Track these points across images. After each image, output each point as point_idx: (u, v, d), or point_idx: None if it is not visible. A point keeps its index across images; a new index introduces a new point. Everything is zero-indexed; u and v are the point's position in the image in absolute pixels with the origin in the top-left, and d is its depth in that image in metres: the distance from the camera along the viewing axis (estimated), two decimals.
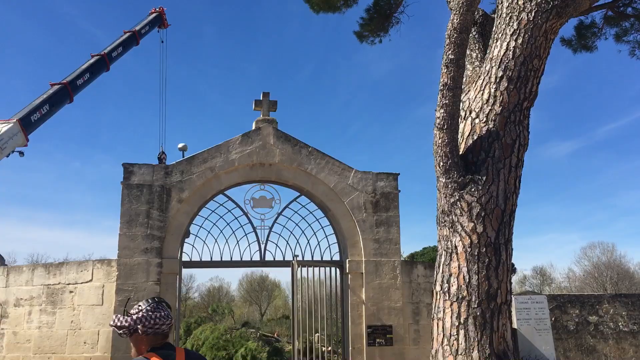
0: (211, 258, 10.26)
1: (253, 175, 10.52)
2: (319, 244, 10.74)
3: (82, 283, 9.67)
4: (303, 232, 10.70)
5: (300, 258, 10.20)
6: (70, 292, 9.69)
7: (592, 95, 70.76)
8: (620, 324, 15.45)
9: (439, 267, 7.26)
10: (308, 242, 10.66)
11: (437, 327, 7.32)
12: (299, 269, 9.67)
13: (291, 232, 10.68)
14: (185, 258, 10.24)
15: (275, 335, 33.15)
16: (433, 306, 7.36)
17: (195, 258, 10.21)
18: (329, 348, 12.53)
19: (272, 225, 10.62)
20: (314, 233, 10.75)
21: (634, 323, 15.55)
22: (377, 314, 10.17)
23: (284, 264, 10.08)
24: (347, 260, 10.40)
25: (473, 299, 7.14)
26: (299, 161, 10.60)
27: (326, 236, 10.80)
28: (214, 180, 10.31)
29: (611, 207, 66.48)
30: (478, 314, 7.10)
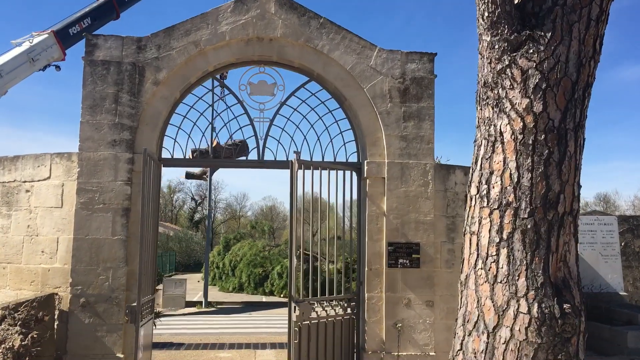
0: (198, 155, 8.51)
1: (249, 54, 8.55)
2: (331, 141, 8.87)
3: (39, 181, 8.17)
4: (312, 126, 8.85)
5: (307, 157, 8.33)
6: (27, 191, 8.23)
7: None
8: None
9: (475, 162, 5.27)
10: (318, 139, 8.80)
11: (470, 244, 5.38)
12: (301, 171, 7.81)
13: (297, 127, 8.84)
14: (165, 155, 8.52)
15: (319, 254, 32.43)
16: (466, 216, 5.37)
17: (178, 154, 8.50)
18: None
19: (274, 117, 8.76)
20: (326, 128, 8.87)
21: None
22: (402, 228, 8.33)
23: (285, 165, 8.23)
24: (365, 161, 8.50)
25: (523, 206, 5.09)
26: (307, 36, 8.52)
27: (341, 132, 8.90)
28: (199, 58, 8.40)
29: None
30: (529, 226, 5.05)
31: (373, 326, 8.37)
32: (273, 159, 8.77)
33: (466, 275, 5.14)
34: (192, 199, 65.37)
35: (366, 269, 8.45)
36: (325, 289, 8.27)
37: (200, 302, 23.94)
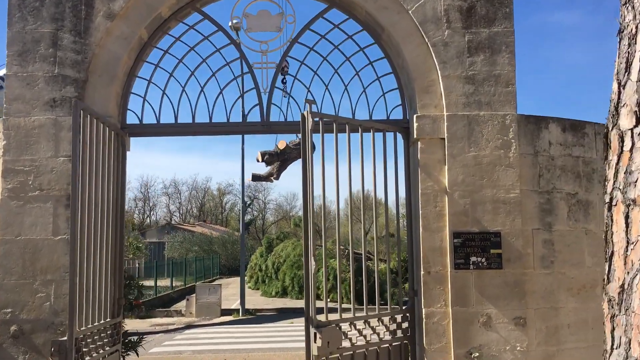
0: (176, 119, 6.14)
1: None
2: (364, 91, 6.31)
3: None
4: (336, 71, 6.32)
5: (333, 111, 5.76)
6: None
7: None
8: None
9: (626, 69, 2.70)
10: (346, 88, 6.28)
11: (628, 224, 2.78)
12: (319, 134, 5.28)
13: (315, 73, 6.31)
14: (132, 120, 6.18)
15: (368, 253, 30.19)
16: (612, 173, 2.72)
17: (150, 119, 6.13)
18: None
19: (282, 61, 6.27)
20: (357, 73, 6.32)
21: None
22: (473, 212, 5.73)
23: (298, 128, 5.67)
24: (415, 116, 5.91)
25: None
26: None
27: (378, 78, 6.36)
28: None
29: None
30: None
31: (435, 356, 5.74)
32: (284, 119, 6.27)
33: (621, 286, 2.50)
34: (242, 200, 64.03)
35: (422, 272, 5.83)
36: (363, 301, 5.73)
37: (238, 310, 21.75)
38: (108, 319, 5.59)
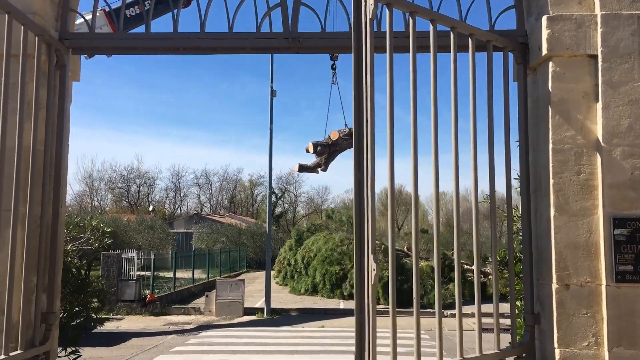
0: (147, 27, 3.80)
1: None
2: None
3: None
4: None
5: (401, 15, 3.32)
6: None
7: None
8: None
9: None
10: None
11: None
12: (379, 38, 2.86)
13: None
14: (78, 28, 3.86)
15: (405, 249, 27.98)
16: None
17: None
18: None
19: None
20: None
21: None
22: None
23: (344, 41, 3.23)
24: (544, 19, 3.42)
25: None
26: None
27: None
28: None
29: None
30: None
31: None
32: (320, 29, 3.87)
33: None
34: (273, 192, 62.27)
35: (554, 284, 3.38)
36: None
37: (262, 309, 19.52)
38: (19, 351, 3.30)
